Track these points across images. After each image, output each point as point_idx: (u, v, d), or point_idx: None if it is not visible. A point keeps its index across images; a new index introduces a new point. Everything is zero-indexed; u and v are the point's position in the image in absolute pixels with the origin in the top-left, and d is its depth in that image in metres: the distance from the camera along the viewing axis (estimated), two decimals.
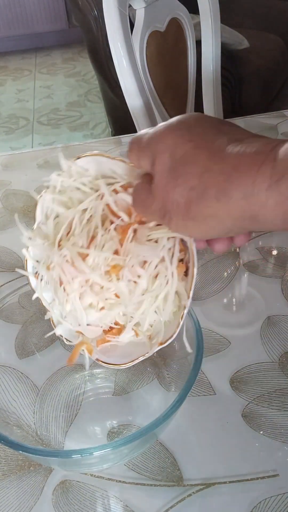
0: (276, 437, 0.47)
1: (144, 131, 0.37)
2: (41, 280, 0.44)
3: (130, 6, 1.09)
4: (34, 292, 0.45)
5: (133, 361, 0.44)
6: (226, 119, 0.43)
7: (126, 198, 0.41)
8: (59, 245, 0.42)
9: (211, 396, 0.51)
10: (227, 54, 1.83)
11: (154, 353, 0.51)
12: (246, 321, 0.59)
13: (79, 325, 0.44)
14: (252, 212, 0.31)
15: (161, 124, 0.36)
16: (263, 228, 0.32)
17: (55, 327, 0.46)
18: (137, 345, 0.44)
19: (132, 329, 0.43)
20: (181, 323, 0.40)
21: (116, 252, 0.41)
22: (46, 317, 0.46)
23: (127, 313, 0.43)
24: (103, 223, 0.42)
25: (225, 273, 0.66)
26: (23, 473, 0.46)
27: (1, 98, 3.41)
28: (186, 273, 0.41)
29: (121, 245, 0.41)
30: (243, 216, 0.31)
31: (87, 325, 0.44)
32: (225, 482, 0.44)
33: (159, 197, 0.35)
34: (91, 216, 0.42)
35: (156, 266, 0.40)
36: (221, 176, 0.31)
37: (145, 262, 0.40)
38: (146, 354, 0.43)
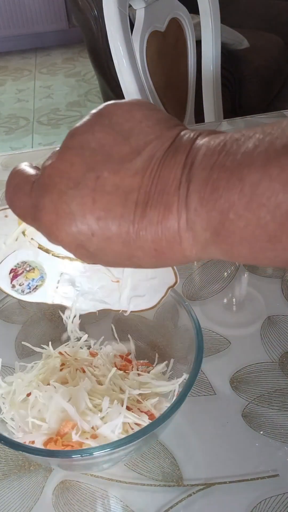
0: (276, 437, 0.47)
1: (14, 184, 0.31)
2: None
3: (130, 6, 1.09)
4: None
5: (158, 302, 0.44)
6: (208, 127, 0.41)
7: None
8: None
9: (211, 396, 0.51)
10: (227, 54, 1.83)
11: (155, 355, 0.52)
12: (246, 321, 0.59)
13: None
14: (186, 261, 0.28)
15: (44, 199, 0.29)
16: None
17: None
18: (152, 290, 0.45)
19: None
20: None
21: None
22: None
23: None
24: None
25: (225, 273, 0.66)
26: (23, 473, 0.46)
27: (1, 98, 3.41)
28: None
29: None
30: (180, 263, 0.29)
31: None
32: (225, 482, 0.44)
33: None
34: None
35: None
36: (150, 259, 0.28)
37: None
38: (164, 297, 0.44)
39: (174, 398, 0.43)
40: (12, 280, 0.44)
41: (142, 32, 1.14)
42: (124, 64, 1.06)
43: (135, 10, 1.13)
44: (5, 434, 0.41)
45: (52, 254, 0.43)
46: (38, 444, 0.43)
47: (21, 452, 0.40)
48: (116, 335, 0.54)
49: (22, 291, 0.45)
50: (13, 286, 0.44)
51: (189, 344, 0.44)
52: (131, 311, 0.45)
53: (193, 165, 0.26)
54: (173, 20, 1.25)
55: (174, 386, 0.46)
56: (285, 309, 0.60)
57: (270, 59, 2.08)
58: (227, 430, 0.48)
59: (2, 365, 0.49)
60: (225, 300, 0.63)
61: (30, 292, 0.45)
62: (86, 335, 0.52)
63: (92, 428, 0.43)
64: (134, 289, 0.45)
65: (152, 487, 0.44)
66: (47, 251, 0.43)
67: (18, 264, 0.44)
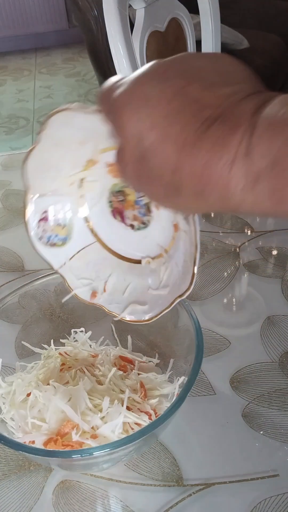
0: (276, 437, 0.47)
1: (114, 79, 0.32)
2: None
3: (130, 6, 1.09)
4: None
5: (156, 316, 0.42)
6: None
7: None
8: None
9: (211, 396, 0.51)
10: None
11: (155, 355, 0.52)
12: (246, 321, 0.59)
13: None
14: (231, 208, 0.28)
15: (129, 84, 0.30)
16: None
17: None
18: (156, 300, 0.42)
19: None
20: (195, 274, 0.38)
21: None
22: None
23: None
24: None
25: (225, 273, 0.66)
26: (23, 473, 0.46)
27: (1, 98, 3.41)
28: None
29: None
30: (224, 210, 0.29)
31: None
32: (225, 482, 0.44)
33: (132, 181, 0.32)
34: None
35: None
36: (193, 179, 0.28)
37: None
38: (167, 308, 0.41)
39: (174, 398, 0.43)
40: (40, 220, 0.41)
41: (142, 32, 1.14)
42: (124, 64, 1.06)
43: (135, 10, 1.13)
44: (5, 434, 0.41)
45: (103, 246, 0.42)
46: (38, 444, 0.43)
47: (21, 452, 0.40)
48: (116, 335, 0.54)
49: (40, 238, 0.42)
50: (37, 226, 0.42)
51: (189, 344, 0.44)
52: (123, 319, 0.43)
53: (270, 102, 0.26)
54: (173, 20, 1.25)
55: (174, 386, 0.46)
56: (285, 309, 0.60)
57: (270, 59, 2.08)
58: (227, 430, 0.48)
59: (2, 365, 0.49)
60: (225, 300, 0.63)
61: (45, 243, 0.42)
62: (90, 332, 0.52)
63: (92, 428, 0.43)
64: (137, 295, 0.43)
65: (152, 487, 0.44)
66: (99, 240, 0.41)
67: (55, 211, 0.41)
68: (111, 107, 0.30)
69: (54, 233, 0.42)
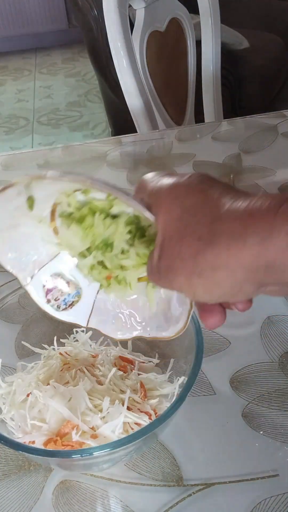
0: (276, 437, 0.47)
1: (151, 175, 0.35)
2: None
3: (130, 6, 1.09)
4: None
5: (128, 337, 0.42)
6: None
7: None
8: None
9: (211, 396, 0.51)
10: (227, 54, 1.83)
11: (155, 355, 0.52)
12: (246, 321, 0.59)
13: None
14: (268, 259, 0.28)
15: (168, 176, 0.34)
16: (280, 279, 0.29)
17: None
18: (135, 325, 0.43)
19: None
20: (187, 321, 0.39)
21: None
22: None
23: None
24: None
25: None
26: (23, 473, 0.46)
27: (1, 98, 3.41)
28: None
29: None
30: (258, 266, 0.28)
31: None
32: (225, 482, 0.44)
33: (163, 252, 0.32)
34: None
35: None
36: (234, 223, 0.29)
37: None
38: (142, 334, 0.42)
39: (174, 398, 0.43)
40: (46, 294, 0.41)
41: (142, 32, 1.14)
42: (124, 64, 1.06)
43: (135, 10, 1.13)
44: (5, 434, 0.41)
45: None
46: (38, 444, 0.43)
47: (21, 452, 0.40)
48: None
49: (58, 307, 0.42)
50: (48, 301, 0.41)
51: (189, 344, 0.44)
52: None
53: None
54: (173, 20, 1.25)
55: (174, 386, 0.46)
56: (285, 309, 0.60)
57: (270, 59, 2.08)
58: (227, 430, 0.48)
59: (2, 365, 0.49)
60: None
61: (66, 308, 0.42)
62: (90, 333, 0.52)
63: (92, 428, 0.43)
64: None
65: (152, 487, 0.44)
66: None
67: (52, 275, 0.41)
68: (153, 188, 0.34)
69: (66, 294, 0.42)
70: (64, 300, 0.42)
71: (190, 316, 0.38)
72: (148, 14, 1.14)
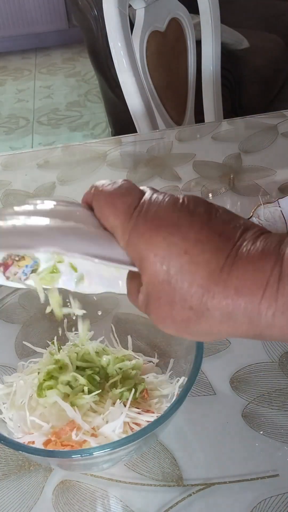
0: (276, 437, 0.47)
1: (104, 185, 0.33)
2: None
3: (130, 6, 1.09)
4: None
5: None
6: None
7: None
8: None
9: (211, 396, 0.51)
10: (227, 54, 1.83)
11: (155, 355, 0.52)
12: None
13: None
14: (257, 333, 0.30)
15: (144, 220, 0.31)
16: (270, 340, 0.31)
17: None
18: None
19: None
20: None
21: None
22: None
23: None
24: None
25: None
26: (23, 473, 0.46)
27: (1, 98, 3.41)
28: None
29: None
30: (247, 335, 0.30)
31: None
32: (225, 482, 0.44)
33: (151, 305, 0.32)
34: None
35: None
36: (224, 301, 0.29)
37: None
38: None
39: (174, 398, 0.43)
40: (4, 272, 0.41)
41: (142, 32, 1.14)
42: (124, 64, 1.06)
43: (135, 10, 1.13)
44: (5, 434, 0.41)
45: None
46: (38, 444, 0.43)
47: (21, 452, 0.40)
48: (116, 335, 0.54)
49: (20, 279, 0.41)
50: (7, 278, 0.41)
51: (189, 344, 0.44)
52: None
53: (285, 240, 0.29)
54: (173, 20, 1.25)
55: (174, 386, 0.46)
56: None
57: (270, 59, 2.08)
58: (227, 430, 0.48)
59: (2, 365, 0.49)
60: None
61: (27, 278, 0.41)
62: (92, 332, 0.52)
63: (92, 428, 0.43)
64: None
65: (152, 487, 0.44)
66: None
67: (4, 257, 0.40)
68: (139, 229, 0.31)
69: (23, 266, 0.41)
70: (23, 272, 0.41)
71: None
72: (148, 14, 1.14)
